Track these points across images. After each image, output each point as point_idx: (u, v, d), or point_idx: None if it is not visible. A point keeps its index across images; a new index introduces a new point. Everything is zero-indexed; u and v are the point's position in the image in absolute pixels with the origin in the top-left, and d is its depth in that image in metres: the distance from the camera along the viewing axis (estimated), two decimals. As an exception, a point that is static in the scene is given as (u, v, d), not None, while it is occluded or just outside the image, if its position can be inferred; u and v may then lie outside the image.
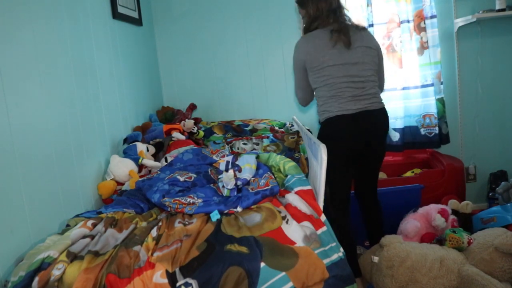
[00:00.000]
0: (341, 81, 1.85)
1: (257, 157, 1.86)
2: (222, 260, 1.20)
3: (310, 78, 1.94)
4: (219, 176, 1.72)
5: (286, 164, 1.71)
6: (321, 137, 1.92)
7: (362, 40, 1.90)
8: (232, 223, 1.38)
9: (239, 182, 1.62)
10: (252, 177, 1.67)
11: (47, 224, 1.46)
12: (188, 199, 1.56)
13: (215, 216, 1.43)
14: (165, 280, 1.17)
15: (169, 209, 1.56)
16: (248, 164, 1.73)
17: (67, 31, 1.74)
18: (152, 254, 1.25)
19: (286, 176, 1.66)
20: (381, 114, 1.96)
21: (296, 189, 1.52)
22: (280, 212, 1.40)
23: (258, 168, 1.74)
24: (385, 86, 2.81)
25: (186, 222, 1.43)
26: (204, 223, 1.41)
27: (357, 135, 1.90)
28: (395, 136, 2.80)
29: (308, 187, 1.53)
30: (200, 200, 1.55)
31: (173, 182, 1.69)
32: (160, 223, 1.44)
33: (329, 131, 1.92)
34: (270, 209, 1.41)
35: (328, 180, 1.77)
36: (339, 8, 1.92)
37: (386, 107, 2.76)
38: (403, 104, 2.80)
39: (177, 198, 1.56)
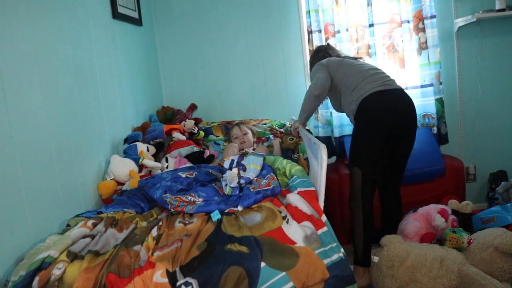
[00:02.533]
0: (364, 69, 2.11)
1: (264, 159, 1.86)
2: (222, 260, 1.20)
3: (336, 77, 2.12)
4: (223, 175, 1.72)
5: (293, 167, 1.71)
6: (365, 114, 1.96)
7: None
8: (233, 223, 1.38)
9: (242, 181, 1.62)
10: (256, 177, 1.67)
11: (47, 224, 1.46)
12: (189, 197, 1.56)
13: (215, 216, 1.44)
14: (165, 280, 1.17)
15: (169, 206, 1.56)
16: (253, 164, 1.73)
17: (67, 31, 1.74)
18: (152, 254, 1.25)
19: (292, 177, 1.66)
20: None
21: (299, 190, 1.52)
22: (280, 212, 1.40)
23: (262, 169, 1.74)
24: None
25: (187, 222, 1.43)
26: (204, 223, 1.41)
27: (399, 111, 1.99)
28: None
29: (312, 188, 1.53)
30: (201, 199, 1.55)
31: (175, 179, 1.69)
32: (161, 223, 1.44)
33: (370, 109, 1.96)
34: (271, 209, 1.41)
35: (362, 159, 1.95)
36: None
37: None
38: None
39: (178, 196, 1.56)
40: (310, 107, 2.16)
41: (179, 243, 1.29)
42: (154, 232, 1.37)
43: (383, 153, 1.98)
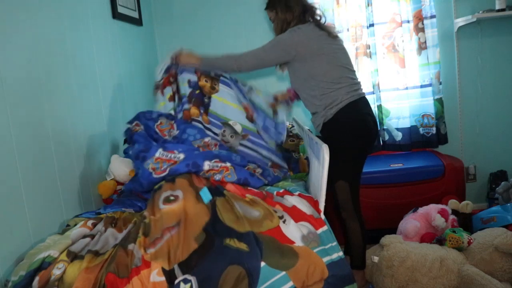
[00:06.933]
0: (342, 66, 1.85)
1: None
2: (222, 257, 1.20)
3: (305, 67, 1.81)
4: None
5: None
6: (343, 127, 1.80)
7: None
8: (228, 208, 1.35)
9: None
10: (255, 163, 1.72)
11: (47, 224, 1.46)
12: (170, 155, 1.57)
13: (206, 196, 1.39)
14: (163, 278, 1.16)
15: (153, 174, 1.54)
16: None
17: (67, 31, 1.74)
18: (145, 250, 1.24)
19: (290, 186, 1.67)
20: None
21: (299, 192, 1.52)
22: (276, 212, 1.40)
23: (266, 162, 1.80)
24: (386, 86, 2.82)
25: (171, 198, 1.41)
26: (191, 202, 1.38)
27: (373, 120, 1.89)
28: (397, 136, 2.81)
29: (311, 196, 1.53)
30: (181, 156, 1.56)
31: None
32: (145, 211, 1.43)
33: (351, 119, 1.81)
34: (267, 208, 1.40)
35: (350, 173, 1.85)
36: (312, 9, 1.91)
37: (387, 106, 2.81)
38: (404, 104, 2.80)
39: (158, 156, 1.57)
40: (220, 69, 1.98)
41: (168, 234, 1.27)
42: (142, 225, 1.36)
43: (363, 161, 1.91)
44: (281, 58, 1.87)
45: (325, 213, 1.47)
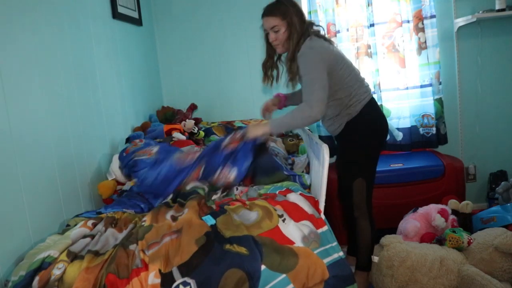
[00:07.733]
0: (353, 68, 1.90)
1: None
2: (221, 260, 1.20)
3: (334, 74, 1.77)
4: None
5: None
6: (367, 123, 1.85)
7: None
8: (228, 223, 1.34)
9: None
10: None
11: (47, 224, 1.46)
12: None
13: (209, 221, 1.38)
14: (158, 280, 1.16)
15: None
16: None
17: (67, 31, 1.74)
18: (144, 252, 1.23)
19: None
20: None
21: (300, 192, 1.52)
22: (276, 210, 1.39)
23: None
24: (387, 86, 2.82)
25: (179, 217, 1.42)
26: (195, 216, 1.38)
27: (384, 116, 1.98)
28: (398, 136, 2.81)
29: (310, 195, 1.53)
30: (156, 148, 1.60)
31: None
32: (147, 216, 1.43)
33: (372, 115, 1.87)
34: (266, 207, 1.40)
35: (369, 171, 1.89)
36: (310, 23, 1.87)
37: (388, 106, 2.81)
38: (404, 104, 2.81)
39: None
40: (297, 126, 1.87)
41: (167, 238, 1.26)
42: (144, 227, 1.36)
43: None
44: (325, 72, 1.72)
45: (325, 213, 1.47)
